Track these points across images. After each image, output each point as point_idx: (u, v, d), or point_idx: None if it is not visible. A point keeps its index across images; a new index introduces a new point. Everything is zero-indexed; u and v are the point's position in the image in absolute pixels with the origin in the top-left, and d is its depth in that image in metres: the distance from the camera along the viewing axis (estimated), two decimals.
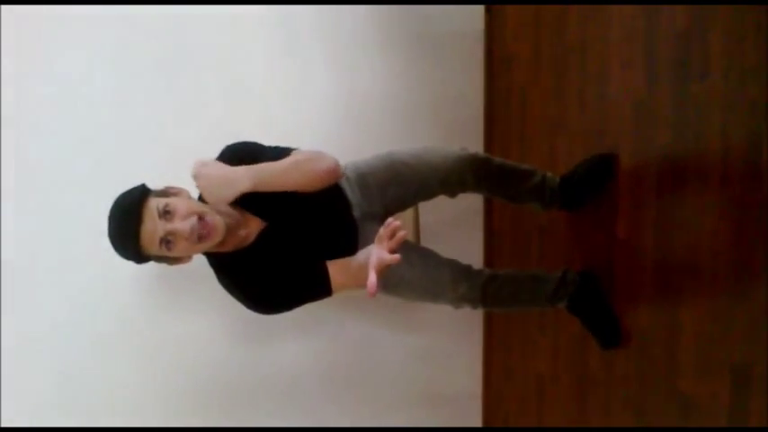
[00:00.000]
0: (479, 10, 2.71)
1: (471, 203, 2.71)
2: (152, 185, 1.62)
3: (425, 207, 2.27)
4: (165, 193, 1.61)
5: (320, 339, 2.58)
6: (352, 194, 1.83)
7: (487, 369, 2.76)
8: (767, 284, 1.37)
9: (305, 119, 2.54)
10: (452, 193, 1.89)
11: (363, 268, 1.53)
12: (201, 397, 2.50)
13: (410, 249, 1.88)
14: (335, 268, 1.71)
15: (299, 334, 2.55)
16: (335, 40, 2.57)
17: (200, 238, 1.55)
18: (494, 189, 1.92)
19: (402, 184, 1.84)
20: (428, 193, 1.88)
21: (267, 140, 1.78)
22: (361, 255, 1.62)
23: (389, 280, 1.83)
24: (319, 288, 1.70)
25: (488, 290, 1.87)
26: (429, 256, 1.88)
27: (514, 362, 2.56)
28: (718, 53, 1.50)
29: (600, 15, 1.98)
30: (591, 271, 1.99)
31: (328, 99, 2.57)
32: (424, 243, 2.24)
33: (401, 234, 1.44)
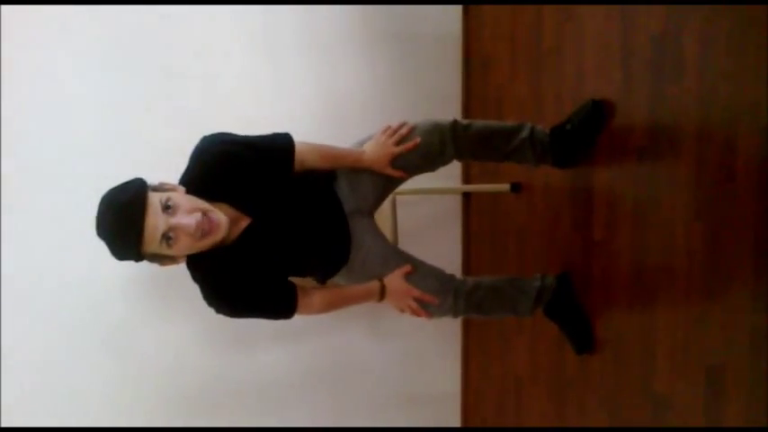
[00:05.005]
0: (457, 10, 2.71)
1: (449, 204, 2.71)
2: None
3: (403, 208, 2.27)
4: (161, 188, 1.55)
5: (300, 341, 2.56)
6: (342, 189, 1.80)
7: (466, 370, 2.76)
8: (741, 285, 1.38)
9: (283, 119, 2.51)
10: (433, 165, 1.82)
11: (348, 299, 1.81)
12: (185, 399, 2.47)
13: (398, 254, 1.86)
14: (327, 294, 1.80)
15: (279, 335, 2.53)
16: (313, 40, 2.55)
17: (203, 235, 1.51)
18: (479, 155, 1.85)
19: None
20: (410, 170, 1.81)
21: None
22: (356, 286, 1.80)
23: None
24: (283, 310, 1.75)
25: (473, 298, 1.85)
26: (416, 265, 1.85)
27: (492, 362, 2.57)
28: (693, 55, 1.51)
29: (576, 17, 1.99)
30: (567, 273, 2.00)
31: (306, 99, 2.55)
32: (403, 245, 2.23)
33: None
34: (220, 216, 1.54)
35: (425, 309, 1.81)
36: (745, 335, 1.37)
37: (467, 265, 2.72)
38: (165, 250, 1.50)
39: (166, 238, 1.47)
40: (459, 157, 1.84)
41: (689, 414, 1.53)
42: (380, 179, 1.81)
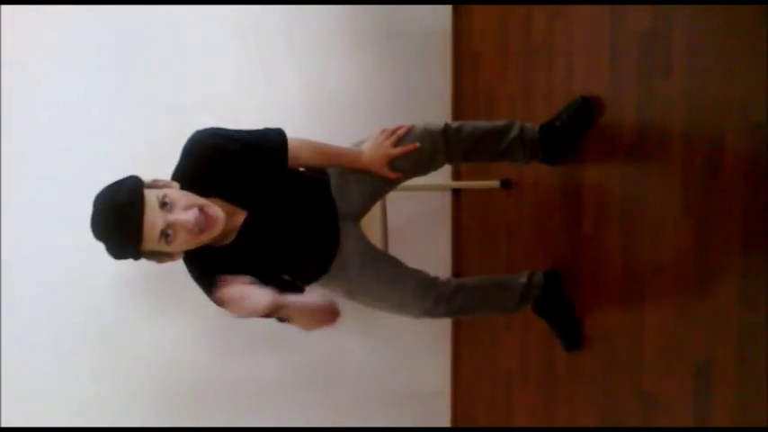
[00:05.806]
0: (447, 10, 2.71)
1: (439, 201, 2.71)
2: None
3: (393, 205, 2.26)
4: (155, 185, 1.54)
5: (290, 340, 2.55)
6: (333, 192, 1.80)
7: (455, 367, 2.76)
8: (730, 282, 1.39)
9: (273, 117, 2.48)
10: (424, 170, 1.83)
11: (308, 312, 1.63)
12: (178, 398, 2.47)
13: (379, 258, 1.86)
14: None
15: (269, 334, 2.52)
16: (303, 38, 2.55)
17: (201, 231, 1.50)
18: (470, 158, 1.86)
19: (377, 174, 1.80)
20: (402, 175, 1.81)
21: None
22: (309, 297, 1.63)
23: (356, 288, 1.81)
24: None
25: (454, 302, 1.84)
26: (397, 266, 1.84)
27: (482, 360, 2.57)
28: (682, 53, 1.52)
29: (565, 15, 1.99)
30: (556, 270, 2.00)
31: (295, 99, 2.54)
32: (392, 242, 2.23)
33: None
34: (217, 211, 1.53)
35: (403, 310, 1.82)
36: (733, 331, 1.38)
37: (456, 262, 2.72)
38: (163, 247, 1.49)
39: (165, 234, 1.46)
40: (451, 162, 1.85)
41: (677, 410, 1.54)
42: (368, 186, 1.81)
